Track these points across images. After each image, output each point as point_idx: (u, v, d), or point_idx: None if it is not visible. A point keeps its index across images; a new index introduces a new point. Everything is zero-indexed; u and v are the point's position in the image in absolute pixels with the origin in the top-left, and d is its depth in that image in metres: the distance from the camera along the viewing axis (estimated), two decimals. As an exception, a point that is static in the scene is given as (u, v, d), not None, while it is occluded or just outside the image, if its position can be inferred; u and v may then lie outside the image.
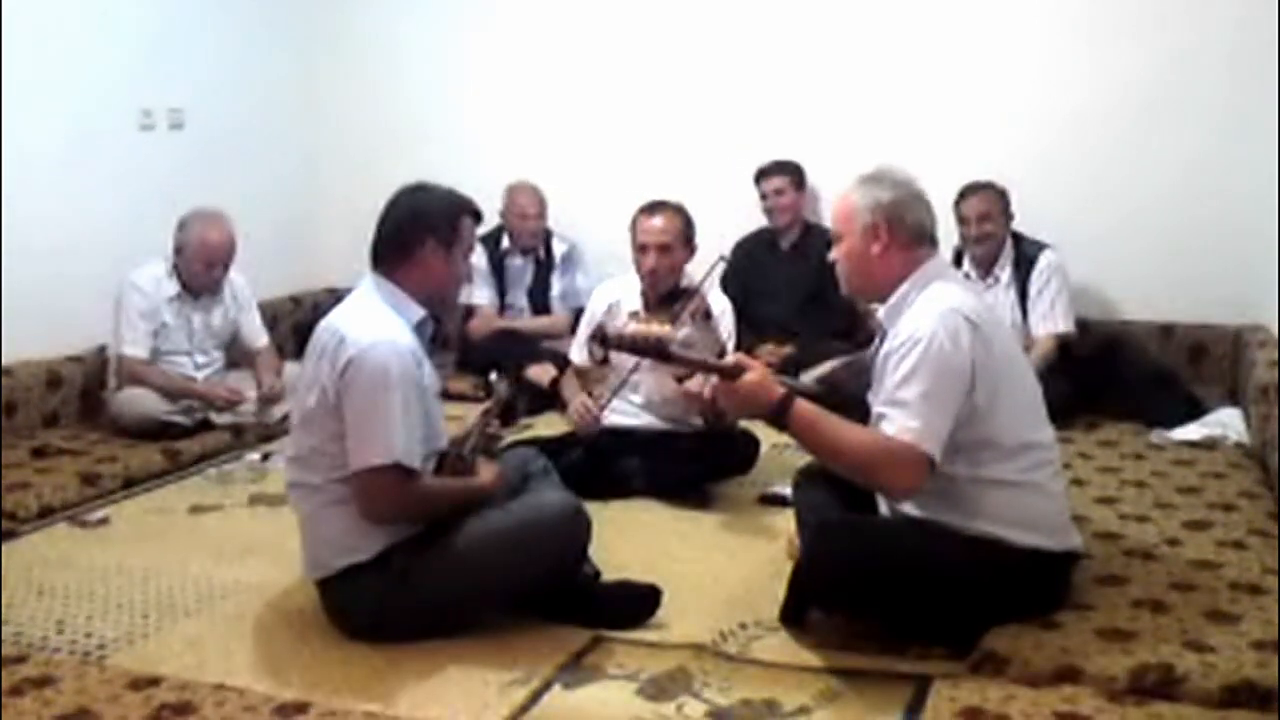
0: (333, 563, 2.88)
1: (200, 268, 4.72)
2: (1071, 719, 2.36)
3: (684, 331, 3.64)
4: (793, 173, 5.49)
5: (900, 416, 2.57)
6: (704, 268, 3.91)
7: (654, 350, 2.69)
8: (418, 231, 2.94)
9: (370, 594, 2.84)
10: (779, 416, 2.62)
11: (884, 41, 5.50)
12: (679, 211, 4.04)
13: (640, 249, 4.01)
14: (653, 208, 4.03)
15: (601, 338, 2.85)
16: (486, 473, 3.05)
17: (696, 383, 3.36)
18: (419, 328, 2.94)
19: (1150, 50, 5.09)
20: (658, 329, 2.67)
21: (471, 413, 3.28)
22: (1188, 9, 5.02)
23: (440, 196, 3.04)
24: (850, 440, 2.63)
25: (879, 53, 5.52)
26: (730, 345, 4.03)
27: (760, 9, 5.65)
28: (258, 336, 5.05)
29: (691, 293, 3.88)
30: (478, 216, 3.11)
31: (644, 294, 4.06)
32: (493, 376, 3.27)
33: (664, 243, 3.96)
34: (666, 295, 3.99)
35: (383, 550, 2.83)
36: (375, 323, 2.85)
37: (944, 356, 2.58)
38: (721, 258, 3.93)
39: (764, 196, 5.51)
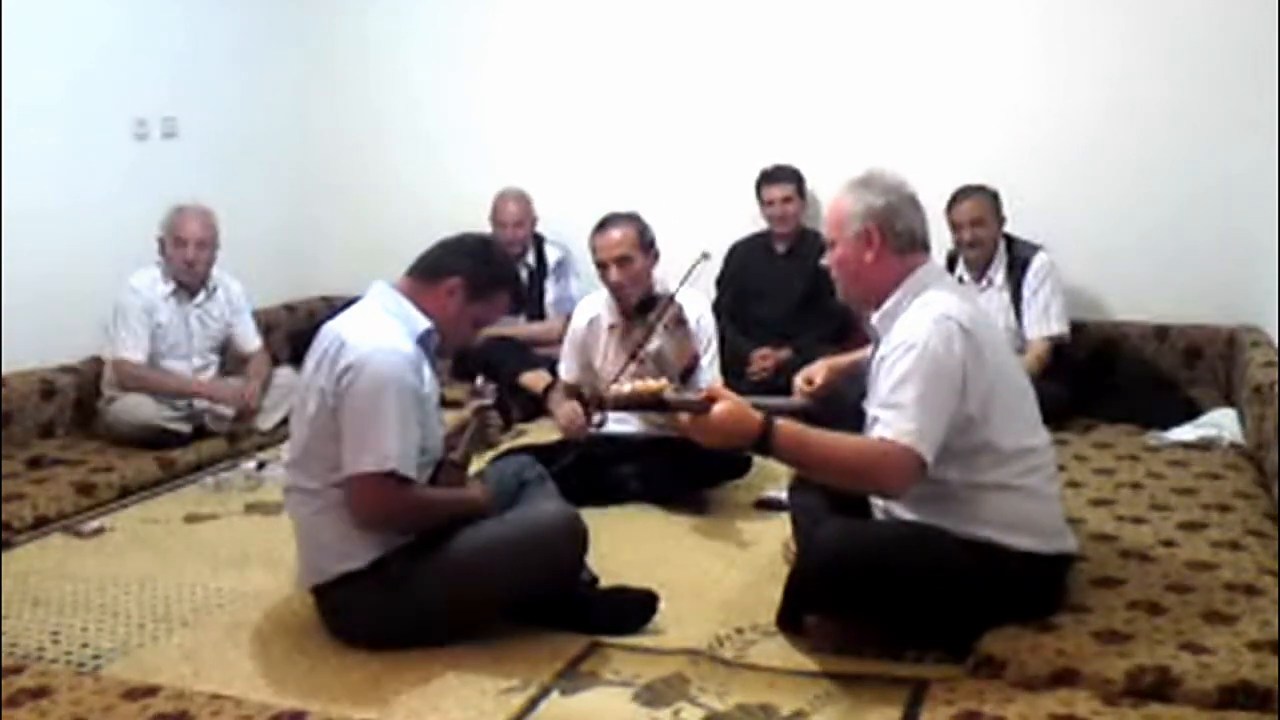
0: (329, 569, 2.88)
1: (174, 251, 4.73)
2: (1068, 721, 2.37)
3: (656, 343, 3.64)
4: (797, 179, 5.49)
5: (896, 419, 2.57)
6: (683, 270, 3.89)
7: (650, 404, 2.68)
8: (453, 267, 2.98)
9: (366, 601, 2.84)
10: (762, 442, 2.56)
11: (874, 44, 5.50)
12: (631, 220, 4.04)
13: (600, 266, 4.03)
14: (605, 223, 4.04)
15: (599, 403, 2.86)
16: (478, 489, 3.06)
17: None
18: (424, 339, 2.94)
19: (1144, 50, 5.09)
20: (654, 384, 2.67)
21: (467, 409, 3.28)
22: (1185, 9, 5.03)
23: (497, 261, 3.14)
24: (841, 448, 2.61)
25: (869, 56, 5.52)
26: (713, 351, 4.03)
27: (750, 15, 5.65)
28: (250, 341, 5.05)
29: (664, 301, 3.87)
30: (518, 300, 3.15)
31: (619, 307, 4.08)
32: (478, 382, 3.28)
33: (621, 255, 3.97)
34: (641, 304, 3.99)
35: (379, 558, 2.83)
36: (377, 330, 2.86)
37: (937, 361, 2.58)
38: (704, 255, 3.90)
39: (769, 203, 5.49)
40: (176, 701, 2.55)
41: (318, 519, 2.89)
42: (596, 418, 3.31)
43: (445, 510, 2.93)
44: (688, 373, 3.78)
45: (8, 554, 3.63)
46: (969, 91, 5.39)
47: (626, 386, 2.72)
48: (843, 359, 3.40)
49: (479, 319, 3.07)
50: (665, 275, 4.13)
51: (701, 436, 2.60)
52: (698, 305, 4.14)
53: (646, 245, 4.03)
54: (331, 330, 2.90)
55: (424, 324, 2.94)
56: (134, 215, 5.07)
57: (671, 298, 3.86)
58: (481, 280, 3.00)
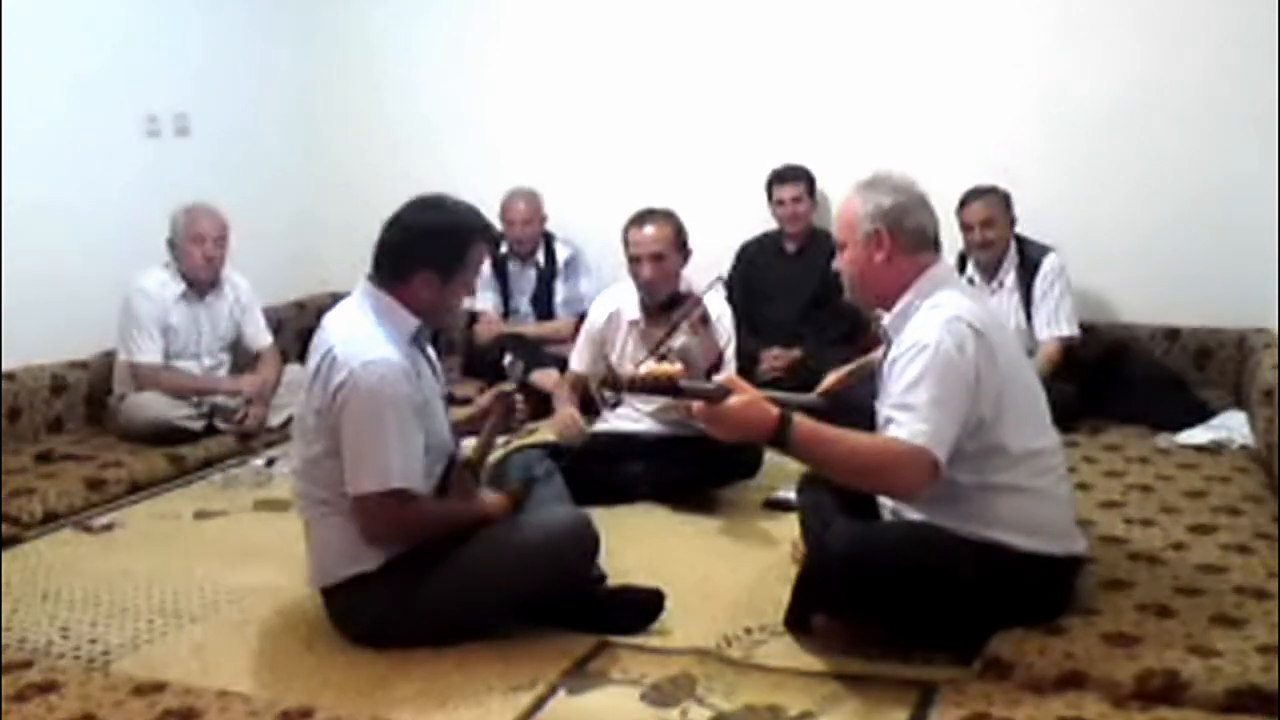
0: (337, 571, 2.88)
1: (192, 249, 4.74)
2: (1076, 724, 2.36)
3: (680, 340, 3.63)
4: (808, 179, 5.49)
5: (909, 420, 2.56)
6: (703, 270, 3.89)
7: (665, 388, 2.67)
8: (414, 258, 2.87)
9: (375, 604, 2.84)
10: (778, 436, 2.54)
11: (885, 45, 5.49)
12: (669, 218, 4.02)
13: (634, 260, 4.00)
14: (642, 218, 4.02)
15: (614, 383, 2.84)
16: (494, 502, 3.04)
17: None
18: (416, 336, 2.92)
19: (1154, 52, 5.07)
20: (667, 368, 2.65)
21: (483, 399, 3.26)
22: (1194, 10, 5.01)
23: (448, 221, 2.92)
24: (856, 447, 2.60)
25: (880, 56, 5.51)
26: (731, 349, 4.02)
27: (759, 14, 5.65)
28: (261, 337, 5.08)
29: (690, 299, 3.87)
30: (493, 238, 3.03)
31: (643, 303, 4.06)
32: (507, 360, 3.26)
33: (656, 252, 3.95)
34: (665, 302, 3.98)
35: (388, 561, 2.83)
36: (365, 341, 2.80)
37: (950, 363, 2.57)
38: (719, 278, 3.96)
39: (780, 203, 5.49)
40: (185, 698, 2.55)
41: (326, 523, 2.89)
42: (610, 398, 3.29)
43: (453, 523, 2.91)
44: (713, 370, 3.77)
45: (18, 549, 3.65)
46: (979, 92, 5.38)
47: (642, 369, 2.71)
48: (846, 367, 3.42)
49: (465, 285, 2.97)
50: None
51: (716, 427, 2.58)
52: (717, 303, 4.14)
53: (680, 244, 4.02)
54: (324, 340, 2.86)
55: (411, 324, 2.89)
56: (146, 212, 5.08)
57: (698, 297, 3.86)
58: (451, 258, 2.89)
